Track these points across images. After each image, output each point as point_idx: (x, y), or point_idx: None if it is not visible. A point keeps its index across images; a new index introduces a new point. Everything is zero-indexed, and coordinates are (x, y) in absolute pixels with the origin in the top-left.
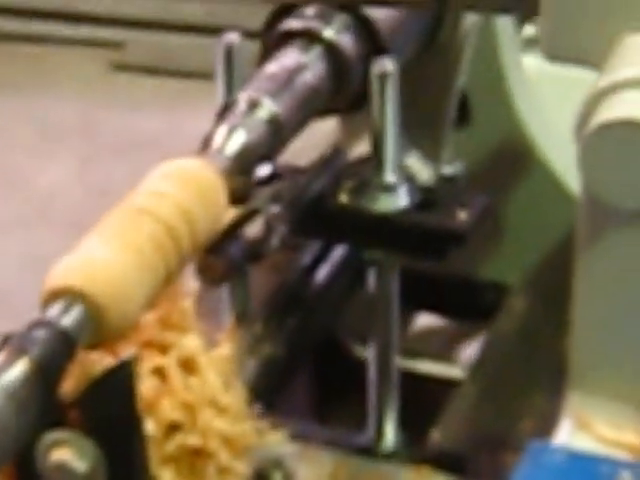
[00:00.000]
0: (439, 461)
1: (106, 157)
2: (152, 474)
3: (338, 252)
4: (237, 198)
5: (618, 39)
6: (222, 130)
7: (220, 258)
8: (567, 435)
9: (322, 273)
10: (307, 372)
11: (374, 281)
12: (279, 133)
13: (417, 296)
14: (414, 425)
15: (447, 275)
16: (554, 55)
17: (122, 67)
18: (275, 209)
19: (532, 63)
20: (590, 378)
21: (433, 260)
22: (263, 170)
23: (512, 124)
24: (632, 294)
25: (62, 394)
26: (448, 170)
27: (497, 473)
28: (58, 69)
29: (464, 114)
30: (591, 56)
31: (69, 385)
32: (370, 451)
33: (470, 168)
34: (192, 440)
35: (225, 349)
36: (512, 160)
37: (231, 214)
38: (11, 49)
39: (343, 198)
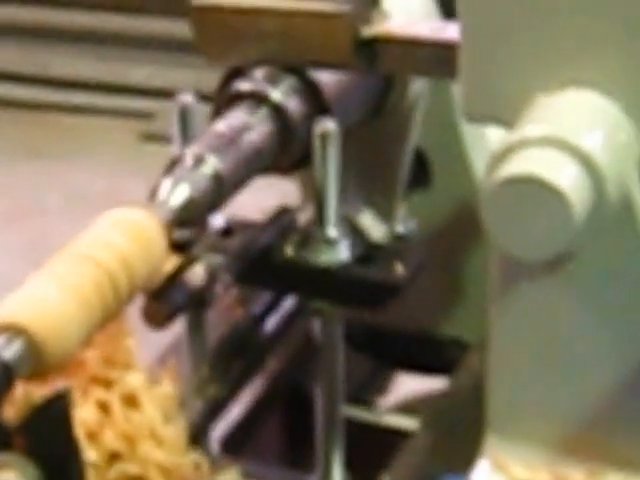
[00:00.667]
0: None
1: None
2: None
3: (289, 302)
4: (180, 247)
5: (530, 99)
6: (167, 183)
7: (163, 304)
8: (484, 475)
9: (272, 321)
10: (277, 416)
11: (319, 330)
12: (222, 188)
13: (388, 353)
14: (364, 470)
15: (413, 332)
16: (472, 115)
17: (151, 137)
18: (218, 259)
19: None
20: (506, 422)
21: (372, 310)
22: (217, 222)
23: (470, 184)
24: (544, 342)
25: (7, 420)
26: (401, 228)
27: None
28: (91, 138)
29: (423, 175)
30: (506, 115)
31: (12, 412)
32: None
33: (429, 228)
34: (132, 469)
35: (167, 386)
36: (471, 219)
37: (174, 262)
38: (51, 119)
39: (288, 251)
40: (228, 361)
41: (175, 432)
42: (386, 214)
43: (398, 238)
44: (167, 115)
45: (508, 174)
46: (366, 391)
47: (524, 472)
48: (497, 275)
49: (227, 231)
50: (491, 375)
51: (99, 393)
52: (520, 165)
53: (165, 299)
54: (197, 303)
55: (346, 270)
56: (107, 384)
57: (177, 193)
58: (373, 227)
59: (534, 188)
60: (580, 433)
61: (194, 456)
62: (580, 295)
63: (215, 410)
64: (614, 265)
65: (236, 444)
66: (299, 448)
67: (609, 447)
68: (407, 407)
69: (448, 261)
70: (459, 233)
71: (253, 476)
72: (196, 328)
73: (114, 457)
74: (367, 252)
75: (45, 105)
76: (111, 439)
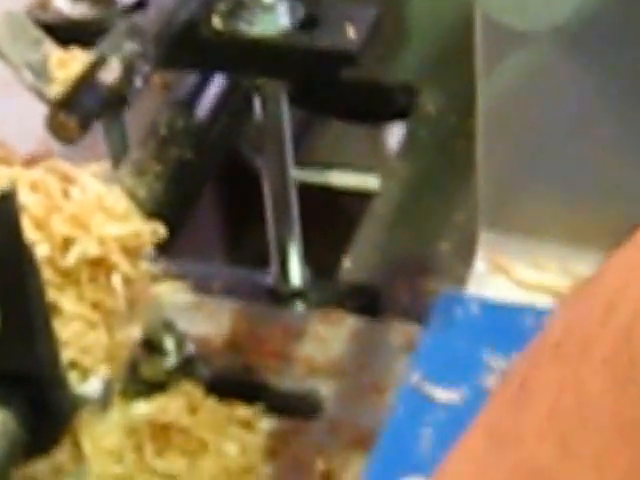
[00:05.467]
0: (351, 295)
1: None
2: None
3: (220, 81)
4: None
5: None
6: None
7: (73, 113)
8: (482, 281)
9: (204, 106)
10: (218, 206)
11: (261, 107)
12: None
13: (325, 103)
14: (321, 252)
15: (355, 80)
16: None
17: None
18: (134, 46)
19: None
20: (502, 215)
21: (321, 83)
22: None
23: None
24: (535, 120)
25: None
26: None
27: (416, 302)
28: None
29: None
30: None
31: None
32: (274, 292)
33: None
34: (91, 249)
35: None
36: None
37: (80, 60)
38: None
39: (216, 22)
40: (156, 159)
41: (123, 201)
42: None
43: None
44: None
45: None
46: (311, 154)
47: (529, 273)
48: (481, 49)
49: (140, 4)
50: (480, 164)
51: (30, 174)
52: None
53: (75, 107)
54: (114, 105)
55: (287, 39)
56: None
57: None
58: None
59: None
60: (592, 222)
61: (152, 225)
62: (582, 61)
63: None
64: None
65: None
66: (245, 243)
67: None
68: (361, 167)
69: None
70: None
71: (197, 277)
72: (115, 133)
73: (67, 243)
74: (310, 17)
75: None
76: (60, 224)
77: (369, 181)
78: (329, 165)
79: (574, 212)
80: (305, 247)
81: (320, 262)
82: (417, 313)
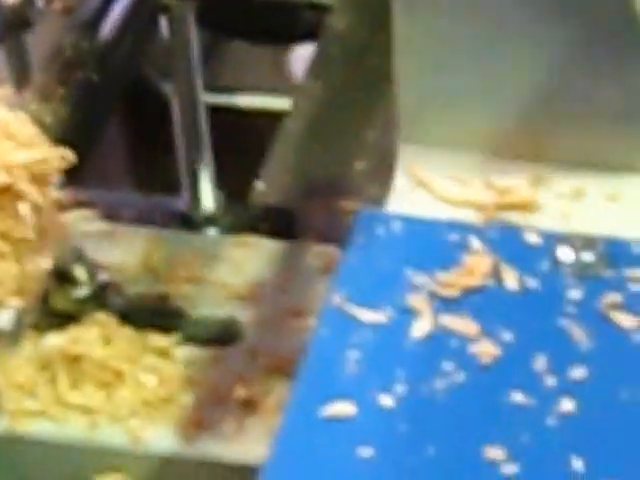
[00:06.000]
0: (265, 218)
1: None
2: None
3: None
4: None
5: None
6: None
7: None
8: (403, 197)
9: (108, 27)
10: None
11: (168, 29)
12: None
13: (232, 24)
14: (240, 178)
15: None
16: None
17: None
18: None
19: None
20: (422, 129)
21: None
22: None
23: None
24: (453, 31)
25: None
26: None
27: (333, 223)
28: None
29: None
30: None
31: None
32: (187, 218)
33: None
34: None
35: None
36: None
37: None
38: None
39: None
40: (61, 82)
41: (29, 127)
42: None
43: None
44: None
45: None
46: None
47: (453, 187)
48: None
49: None
50: (398, 75)
51: None
52: None
53: None
54: (15, 27)
55: None
56: None
57: None
58: None
59: None
60: (516, 134)
61: (60, 151)
62: None
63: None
64: None
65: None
66: (156, 169)
67: (554, 149)
68: (271, 88)
69: None
70: None
71: (107, 205)
72: (17, 55)
73: None
74: None
75: None
76: None
77: (281, 102)
78: (238, 88)
79: (496, 124)
80: (217, 171)
81: (234, 186)
82: (334, 234)
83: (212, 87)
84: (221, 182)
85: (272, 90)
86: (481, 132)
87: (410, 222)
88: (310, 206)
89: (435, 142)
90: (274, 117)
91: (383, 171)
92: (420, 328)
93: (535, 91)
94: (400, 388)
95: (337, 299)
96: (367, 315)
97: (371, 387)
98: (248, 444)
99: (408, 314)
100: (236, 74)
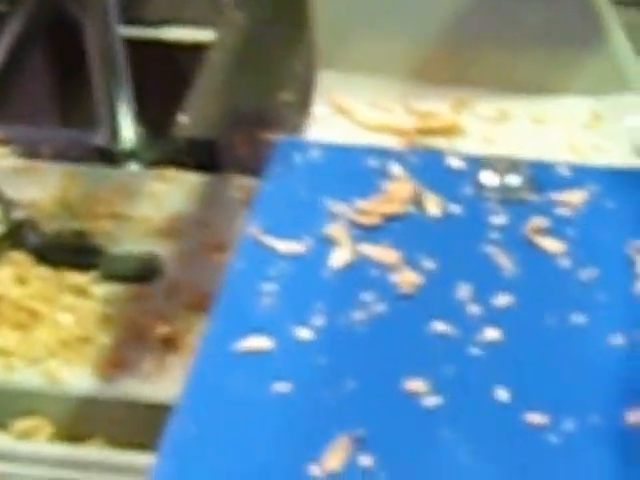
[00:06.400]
0: (187, 151)
1: None
2: None
3: None
4: None
5: None
6: None
7: None
8: (322, 124)
9: None
10: (42, 64)
11: None
12: None
13: None
14: (163, 111)
15: None
16: None
17: None
18: None
19: None
20: (341, 54)
21: None
22: None
23: None
24: None
25: None
26: None
27: (256, 155)
28: None
29: None
30: None
31: None
32: (106, 153)
33: None
34: None
35: None
36: None
37: None
38: None
39: None
40: None
41: None
42: None
43: None
44: None
45: None
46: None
47: (374, 114)
48: None
49: None
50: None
51: None
52: None
53: None
54: None
55: None
56: None
57: None
58: None
59: None
60: (438, 58)
61: None
62: None
63: None
64: None
65: None
66: (74, 104)
67: (477, 73)
68: (195, 20)
69: None
70: None
71: (24, 141)
72: None
73: None
74: None
75: None
76: None
77: (204, 34)
78: (162, 21)
79: (418, 47)
80: (140, 105)
81: (158, 120)
82: (258, 166)
83: (136, 20)
84: (145, 116)
85: (197, 22)
86: (402, 55)
87: (328, 149)
88: (234, 138)
89: (355, 67)
90: (199, 50)
91: (307, 103)
92: (339, 258)
93: (458, 13)
94: (318, 320)
95: (253, 230)
96: (284, 246)
97: (288, 320)
98: (168, 383)
99: (327, 244)
100: (163, 7)
